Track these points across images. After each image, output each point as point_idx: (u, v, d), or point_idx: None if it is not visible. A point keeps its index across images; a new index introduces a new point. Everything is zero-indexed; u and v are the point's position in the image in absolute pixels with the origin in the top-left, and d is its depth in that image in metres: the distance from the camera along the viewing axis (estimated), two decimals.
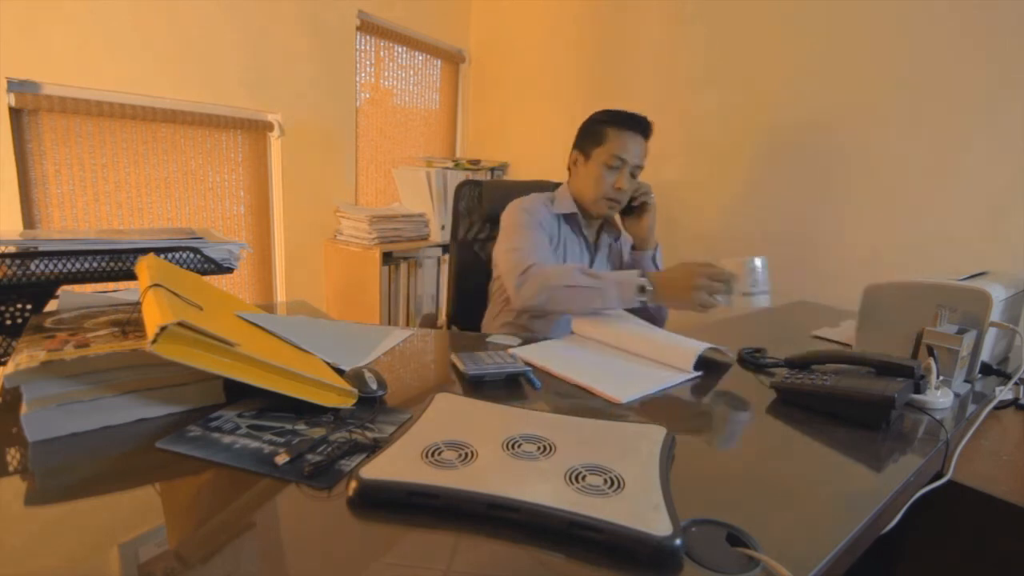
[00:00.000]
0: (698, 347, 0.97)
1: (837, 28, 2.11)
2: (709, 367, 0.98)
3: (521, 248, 1.28)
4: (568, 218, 1.41)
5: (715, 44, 2.41)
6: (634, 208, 1.40)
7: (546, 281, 1.17)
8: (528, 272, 1.21)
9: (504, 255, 1.30)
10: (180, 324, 0.58)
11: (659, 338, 1.04)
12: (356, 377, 0.76)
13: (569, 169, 1.43)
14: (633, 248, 1.47)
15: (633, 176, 1.33)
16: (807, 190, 2.24)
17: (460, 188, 1.69)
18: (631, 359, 1.01)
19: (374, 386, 0.75)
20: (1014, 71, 1.80)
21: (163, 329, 0.57)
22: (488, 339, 1.07)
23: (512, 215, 1.37)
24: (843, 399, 0.80)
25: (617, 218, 1.49)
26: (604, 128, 1.32)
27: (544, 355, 0.99)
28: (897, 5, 1.98)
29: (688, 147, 2.53)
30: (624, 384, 0.88)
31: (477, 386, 0.85)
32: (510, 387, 0.85)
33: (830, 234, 2.20)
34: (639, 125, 1.32)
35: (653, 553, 0.46)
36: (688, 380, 0.93)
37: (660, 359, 0.98)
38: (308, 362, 0.76)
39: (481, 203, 1.65)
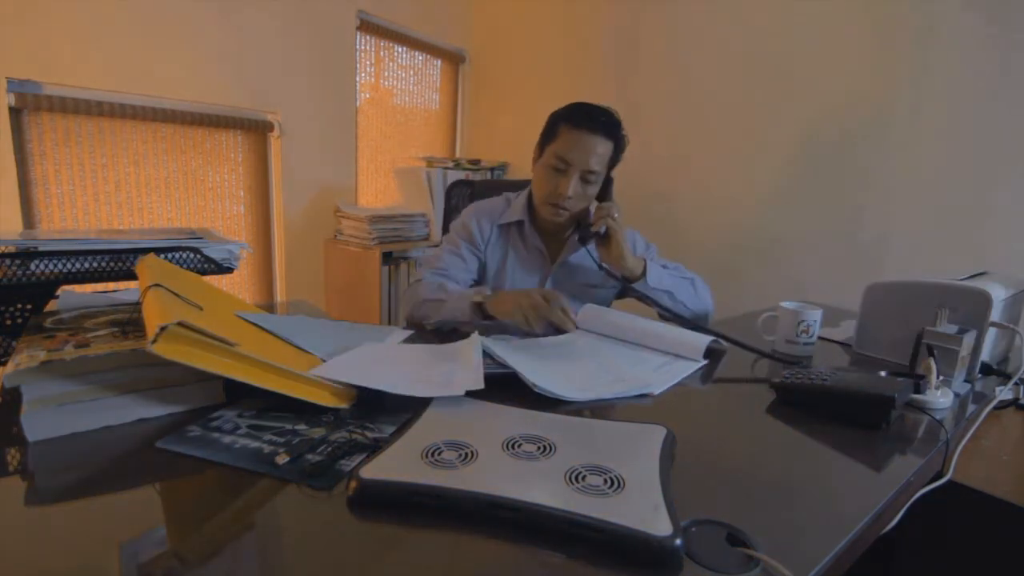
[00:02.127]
0: (704, 338, 1.03)
1: (839, 28, 2.11)
2: (709, 357, 1.03)
3: (431, 258, 1.29)
4: (517, 226, 1.30)
5: (718, 45, 2.41)
6: (599, 234, 1.18)
7: (414, 295, 1.19)
8: (411, 285, 1.23)
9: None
10: (180, 324, 0.58)
11: (665, 330, 1.08)
12: None
13: None
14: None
15: (587, 182, 1.17)
16: (807, 190, 2.24)
17: (452, 188, 1.69)
18: (640, 351, 1.05)
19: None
20: (1015, 71, 1.80)
21: (163, 329, 0.57)
22: (486, 339, 1.07)
23: (451, 226, 1.35)
24: (843, 398, 0.80)
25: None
26: (559, 124, 1.17)
27: (558, 349, 1.02)
28: (902, 7, 1.98)
29: (688, 147, 2.53)
30: (648, 376, 0.91)
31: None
32: (510, 387, 0.85)
33: (830, 234, 2.20)
34: (595, 123, 1.14)
35: (653, 553, 0.46)
36: (698, 369, 0.98)
37: (671, 350, 1.03)
38: (308, 362, 0.76)
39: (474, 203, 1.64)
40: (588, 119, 1.15)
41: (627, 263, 1.18)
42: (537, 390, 0.79)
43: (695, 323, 1.18)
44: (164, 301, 0.65)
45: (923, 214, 2.00)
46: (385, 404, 0.73)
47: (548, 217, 1.23)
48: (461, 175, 2.84)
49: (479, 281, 1.33)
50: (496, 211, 1.32)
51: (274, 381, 0.66)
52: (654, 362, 0.99)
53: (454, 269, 1.26)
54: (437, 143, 3.27)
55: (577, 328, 1.04)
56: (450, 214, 1.67)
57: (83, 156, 1.90)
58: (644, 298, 1.21)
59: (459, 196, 1.67)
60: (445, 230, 1.66)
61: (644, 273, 1.20)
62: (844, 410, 0.80)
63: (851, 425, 0.78)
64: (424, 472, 0.54)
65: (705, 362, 1.00)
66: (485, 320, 1.09)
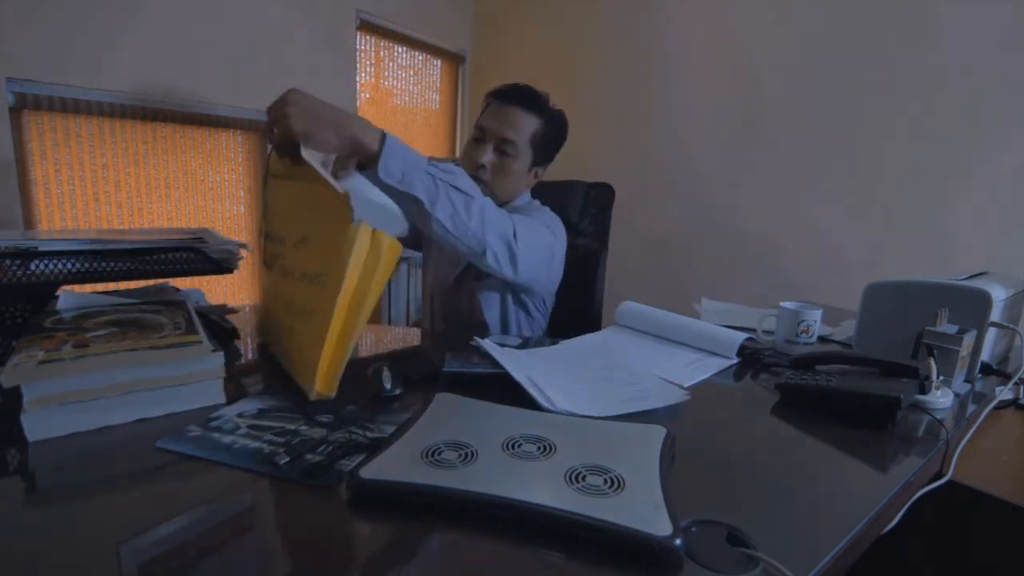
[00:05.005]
0: (737, 336, 1.04)
1: (840, 28, 2.12)
2: (742, 355, 1.04)
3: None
4: None
5: (718, 45, 2.41)
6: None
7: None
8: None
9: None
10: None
11: (700, 327, 1.11)
12: (373, 375, 0.77)
13: None
14: None
15: (504, 153, 1.16)
16: (808, 189, 2.24)
17: None
18: (674, 346, 1.08)
19: (388, 385, 0.75)
20: (1016, 71, 1.80)
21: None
22: (484, 339, 1.06)
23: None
24: (849, 399, 0.80)
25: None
26: (485, 99, 1.21)
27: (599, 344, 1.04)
28: (902, 7, 1.99)
29: (688, 146, 2.53)
30: (680, 371, 0.94)
31: (465, 385, 0.83)
32: (511, 387, 0.85)
33: (830, 233, 2.20)
34: (517, 96, 1.17)
35: (653, 553, 0.46)
36: (730, 366, 1.00)
37: (705, 347, 1.06)
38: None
39: None
40: (509, 92, 1.18)
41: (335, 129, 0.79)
42: (554, 410, 0.74)
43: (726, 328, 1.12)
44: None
45: (923, 214, 2.00)
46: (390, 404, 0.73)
47: None
48: None
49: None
50: None
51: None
52: (686, 358, 1.02)
53: None
54: (437, 143, 3.27)
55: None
56: None
57: (83, 156, 1.90)
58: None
59: None
60: None
61: (380, 152, 0.82)
62: (849, 411, 0.80)
63: (851, 425, 0.78)
64: (424, 472, 0.54)
65: (737, 360, 1.02)
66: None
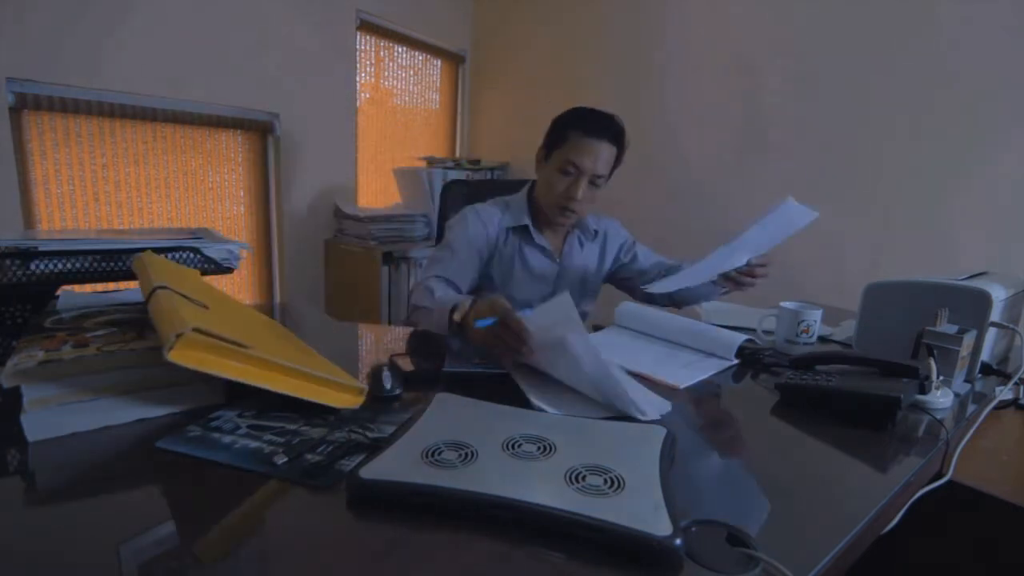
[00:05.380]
0: (737, 337, 1.05)
1: (840, 28, 2.12)
2: (741, 356, 1.04)
3: (433, 259, 1.25)
4: (520, 229, 1.30)
5: (718, 45, 2.41)
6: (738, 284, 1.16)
7: (411, 299, 1.15)
8: (414, 286, 1.19)
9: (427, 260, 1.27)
10: (196, 330, 0.57)
11: (699, 328, 1.11)
12: (372, 376, 0.77)
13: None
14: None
15: (595, 185, 1.21)
16: (807, 189, 2.24)
17: (447, 188, 1.66)
18: (673, 347, 1.08)
19: (388, 385, 0.75)
20: (1016, 71, 1.80)
21: (179, 336, 0.56)
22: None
23: (451, 225, 1.30)
24: (849, 399, 0.80)
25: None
26: (567, 130, 1.20)
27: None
28: (903, 7, 1.99)
29: (687, 146, 2.53)
30: (677, 372, 0.95)
31: (465, 385, 0.83)
32: (511, 387, 0.85)
33: (830, 233, 2.20)
34: (606, 130, 1.18)
35: (653, 553, 0.46)
36: (728, 368, 1.00)
37: (704, 348, 1.06)
38: (315, 360, 0.76)
39: (470, 204, 1.60)
40: (599, 126, 1.19)
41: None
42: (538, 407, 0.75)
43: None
44: (174, 304, 0.65)
45: (923, 214, 2.00)
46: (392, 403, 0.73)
47: (557, 219, 1.26)
48: (461, 175, 2.83)
49: (480, 284, 1.32)
50: (497, 215, 1.30)
51: (288, 383, 0.66)
52: (684, 358, 1.03)
53: (453, 272, 1.22)
54: (437, 143, 3.27)
55: (532, 353, 0.86)
56: (446, 214, 1.63)
57: (83, 156, 1.90)
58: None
59: (455, 196, 1.64)
60: (440, 231, 1.64)
61: None
62: (849, 411, 0.80)
63: (851, 425, 0.78)
64: (424, 472, 0.54)
65: (736, 361, 1.02)
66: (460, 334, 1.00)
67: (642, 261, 1.42)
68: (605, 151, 1.19)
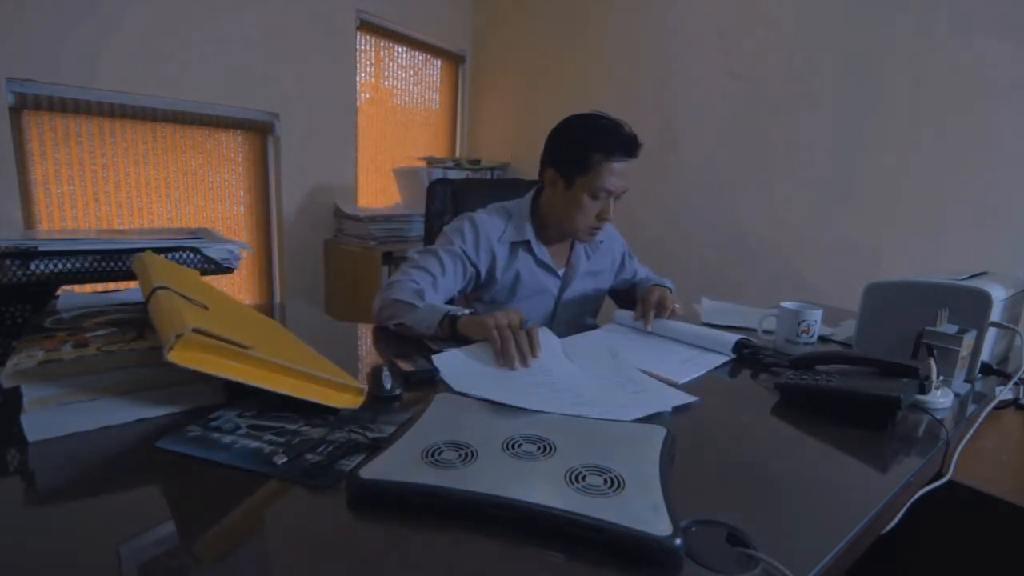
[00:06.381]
0: (732, 337, 1.06)
1: (840, 28, 2.11)
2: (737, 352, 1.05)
3: (412, 261, 1.20)
4: (525, 244, 1.27)
5: (719, 45, 2.41)
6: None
7: (387, 291, 1.11)
8: (389, 281, 1.15)
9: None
10: (196, 331, 0.57)
11: (696, 329, 1.13)
12: (372, 376, 0.77)
13: (543, 183, 1.26)
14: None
15: (617, 198, 1.22)
16: (807, 189, 2.24)
17: (433, 187, 1.61)
18: (670, 343, 1.10)
19: (388, 385, 0.75)
20: (1016, 70, 1.80)
21: (179, 336, 0.56)
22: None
23: (445, 231, 1.27)
24: (849, 399, 0.80)
25: None
26: (590, 155, 1.16)
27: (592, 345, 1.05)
28: (903, 7, 1.98)
29: (687, 147, 2.53)
30: (676, 367, 0.96)
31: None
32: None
33: (830, 233, 2.20)
34: (631, 152, 1.19)
35: (653, 553, 0.46)
36: (726, 363, 1.02)
37: (701, 344, 1.08)
38: (315, 360, 0.76)
39: (456, 202, 1.57)
40: (624, 151, 1.18)
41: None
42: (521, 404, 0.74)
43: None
44: (174, 304, 0.64)
45: (923, 214, 2.00)
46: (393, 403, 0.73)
47: (585, 239, 1.28)
48: (462, 175, 2.83)
49: (479, 296, 1.30)
50: (498, 229, 1.27)
51: (288, 383, 0.66)
52: (682, 355, 1.03)
53: (440, 275, 1.18)
54: (437, 143, 3.27)
55: (538, 356, 0.92)
56: (433, 213, 1.60)
57: (83, 156, 1.90)
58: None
59: (441, 195, 1.60)
60: (428, 229, 1.60)
61: None
62: (849, 411, 0.80)
63: (851, 426, 0.78)
64: (424, 472, 0.54)
65: (733, 356, 1.03)
66: (452, 338, 1.00)
67: (631, 274, 1.48)
68: (630, 168, 1.21)
